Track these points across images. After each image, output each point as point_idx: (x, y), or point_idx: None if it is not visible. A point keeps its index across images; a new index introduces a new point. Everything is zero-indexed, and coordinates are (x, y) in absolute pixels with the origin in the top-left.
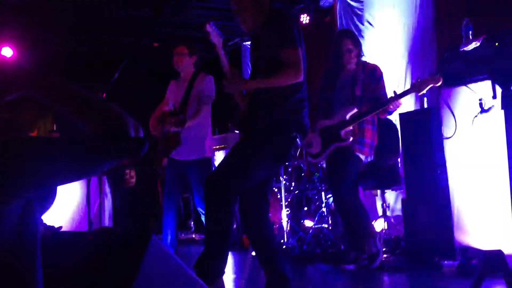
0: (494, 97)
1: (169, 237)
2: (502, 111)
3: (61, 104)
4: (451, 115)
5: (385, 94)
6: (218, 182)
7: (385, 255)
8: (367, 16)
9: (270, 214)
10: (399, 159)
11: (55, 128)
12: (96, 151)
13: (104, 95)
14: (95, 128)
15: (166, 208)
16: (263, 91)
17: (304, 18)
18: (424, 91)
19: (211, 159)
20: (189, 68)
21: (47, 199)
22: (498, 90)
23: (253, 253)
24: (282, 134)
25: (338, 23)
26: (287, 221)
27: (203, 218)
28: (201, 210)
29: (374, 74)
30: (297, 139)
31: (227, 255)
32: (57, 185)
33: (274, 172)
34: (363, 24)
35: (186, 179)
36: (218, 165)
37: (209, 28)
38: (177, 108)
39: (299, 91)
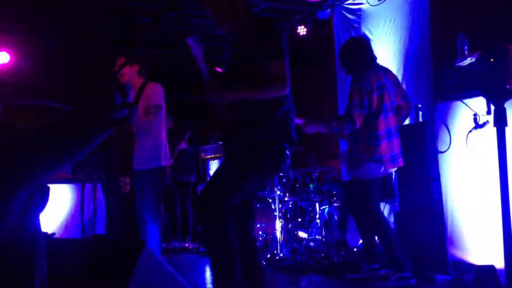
0: (489, 112)
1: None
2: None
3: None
4: (446, 129)
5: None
6: (209, 204)
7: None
8: (363, 29)
9: (264, 225)
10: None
11: None
12: (84, 128)
13: None
14: (80, 107)
15: (139, 220)
16: (248, 104)
17: (301, 30)
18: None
19: (165, 168)
20: (134, 78)
21: (42, 198)
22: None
23: None
24: (272, 147)
25: (335, 35)
26: (281, 232)
27: (148, 227)
28: (148, 219)
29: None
30: (287, 151)
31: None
32: (58, 168)
33: (263, 185)
34: None
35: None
36: (207, 183)
37: (190, 41)
38: None
39: (286, 103)
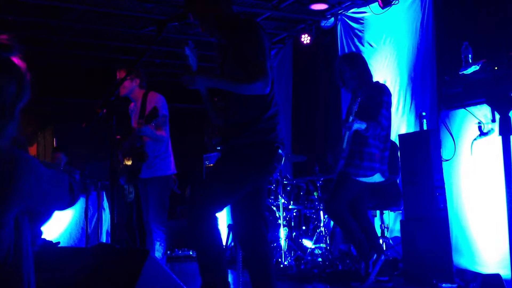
0: (494, 120)
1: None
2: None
3: None
4: (450, 137)
5: (377, 114)
6: (197, 208)
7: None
8: (367, 37)
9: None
10: (398, 180)
11: (55, 143)
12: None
13: (105, 110)
14: None
15: (145, 228)
16: (240, 108)
17: (305, 38)
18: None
19: (171, 177)
20: (135, 90)
21: (43, 214)
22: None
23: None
24: (264, 149)
25: (339, 44)
26: (285, 240)
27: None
28: (154, 227)
29: (372, 93)
30: (279, 150)
31: (226, 276)
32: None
33: (264, 188)
34: (363, 45)
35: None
36: (199, 187)
37: (187, 51)
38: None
39: (274, 105)
